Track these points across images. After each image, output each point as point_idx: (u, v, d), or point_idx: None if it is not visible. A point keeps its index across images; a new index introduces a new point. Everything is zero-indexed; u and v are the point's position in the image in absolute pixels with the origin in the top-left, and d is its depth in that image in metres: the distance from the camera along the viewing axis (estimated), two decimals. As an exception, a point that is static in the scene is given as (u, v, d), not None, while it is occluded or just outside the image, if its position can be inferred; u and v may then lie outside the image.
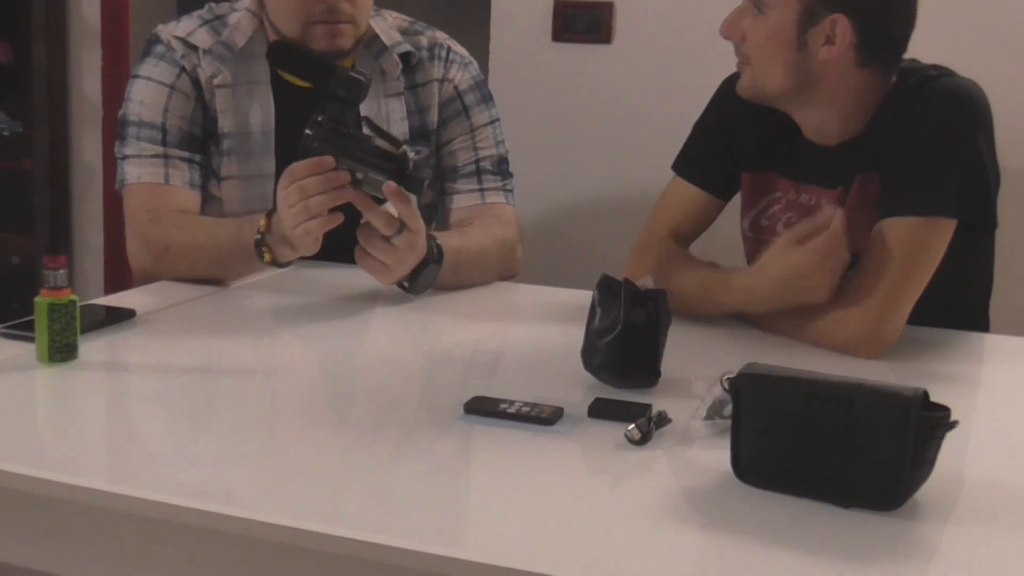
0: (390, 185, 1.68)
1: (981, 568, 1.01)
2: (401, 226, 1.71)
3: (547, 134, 2.84)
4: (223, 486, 1.14)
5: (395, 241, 1.72)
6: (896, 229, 1.63)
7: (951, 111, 1.67)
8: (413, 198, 1.71)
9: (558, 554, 0.99)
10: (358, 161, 1.69)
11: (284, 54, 1.93)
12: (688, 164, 1.91)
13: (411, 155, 1.70)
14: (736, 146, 1.86)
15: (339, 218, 1.70)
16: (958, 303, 1.79)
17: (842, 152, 1.73)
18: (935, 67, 1.75)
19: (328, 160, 1.68)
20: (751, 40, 1.71)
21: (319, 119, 1.69)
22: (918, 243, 1.63)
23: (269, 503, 1.10)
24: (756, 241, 1.84)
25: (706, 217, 1.89)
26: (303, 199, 1.68)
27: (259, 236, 1.78)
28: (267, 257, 1.80)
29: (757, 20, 1.69)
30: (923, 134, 1.66)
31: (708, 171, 1.89)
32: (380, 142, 1.73)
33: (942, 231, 1.64)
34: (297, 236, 1.70)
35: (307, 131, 1.69)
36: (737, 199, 1.90)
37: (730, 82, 1.85)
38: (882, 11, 1.68)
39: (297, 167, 1.69)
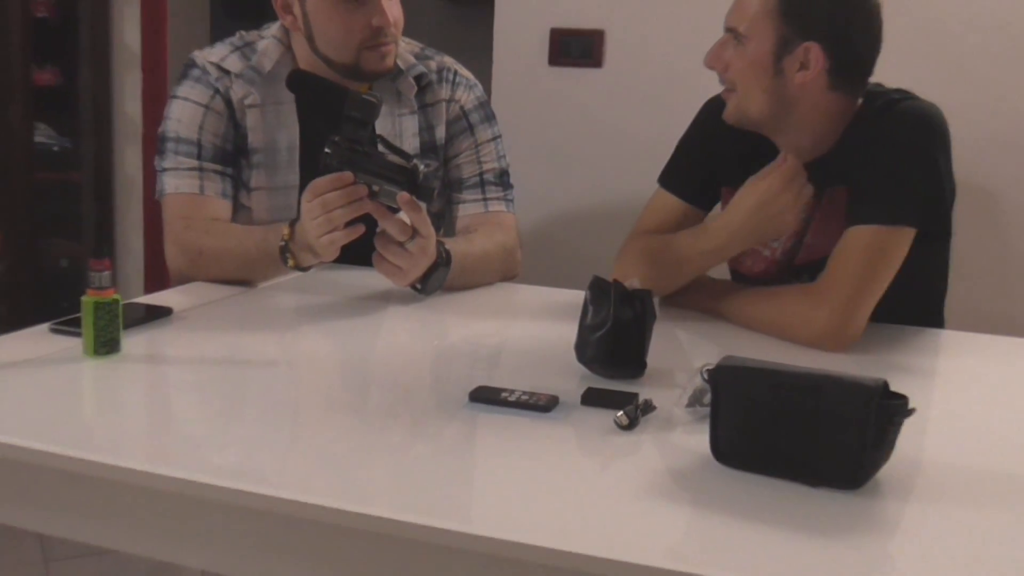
0: (404, 195, 1.68)
1: (936, 541, 1.02)
2: (414, 233, 1.72)
3: (544, 149, 2.85)
4: (253, 467, 1.15)
5: (408, 246, 1.73)
6: (861, 236, 1.64)
7: (914, 131, 1.68)
8: (423, 206, 1.72)
9: (553, 528, 1.00)
10: (374, 175, 1.69)
11: (303, 82, 1.94)
12: (672, 177, 1.91)
13: (422, 167, 1.70)
14: (717, 162, 1.86)
15: (361, 229, 1.71)
16: (916, 303, 1.80)
17: (813, 168, 1.73)
18: (899, 91, 1.75)
19: (347, 175, 1.68)
20: (733, 69, 1.71)
21: (336, 139, 1.69)
22: (881, 249, 1.63)
23: (294, 482, 1.11)
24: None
25: (686, 226, 1.88)
26: (326, 212, 1.68)
27: (283, 243, 1.79)
28: (291, 262, 1.80)
29: (737, 50, 1.70)
30: (888, 151, 1.66)
31: (690, 184, 1.89)
32: (393, 157, 1.73)
33: (903, 238, 1.65)
34: (321, 245, 1.71)
35: (326, 149, 1.69)
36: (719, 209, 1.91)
37: (712, 104, 1.86)
38: (851, 38, 1.68)
39: (319, 183, 1.69)
